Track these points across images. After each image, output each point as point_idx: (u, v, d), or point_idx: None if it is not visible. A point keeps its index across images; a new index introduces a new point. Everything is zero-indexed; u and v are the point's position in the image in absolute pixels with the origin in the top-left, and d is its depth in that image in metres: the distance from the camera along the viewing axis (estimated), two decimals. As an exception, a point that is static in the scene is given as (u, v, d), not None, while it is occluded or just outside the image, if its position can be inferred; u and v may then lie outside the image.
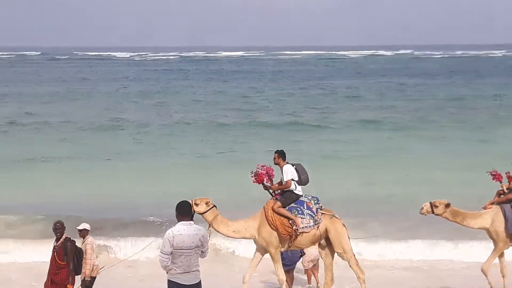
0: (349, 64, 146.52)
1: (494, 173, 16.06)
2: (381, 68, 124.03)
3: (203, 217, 14.75)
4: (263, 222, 14.89)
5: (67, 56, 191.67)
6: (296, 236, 14.86)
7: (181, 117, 53.43)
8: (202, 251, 10.45)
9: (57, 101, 65.56)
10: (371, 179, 30.02)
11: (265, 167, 15.01)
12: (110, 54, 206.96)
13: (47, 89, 78.15)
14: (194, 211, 14.41)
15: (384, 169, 32.33)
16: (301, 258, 16.75)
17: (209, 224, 14.78)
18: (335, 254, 15.24)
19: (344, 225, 15.16)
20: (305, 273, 17.48)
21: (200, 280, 10.47)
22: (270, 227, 14.84)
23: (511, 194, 15.83)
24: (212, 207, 14.69)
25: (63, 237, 12.94)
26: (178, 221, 10.41)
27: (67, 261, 12.77)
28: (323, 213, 15.10)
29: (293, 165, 15.14)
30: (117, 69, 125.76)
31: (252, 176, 14.96)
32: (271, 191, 15.14)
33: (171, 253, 10.26)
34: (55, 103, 63.33)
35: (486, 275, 15.75)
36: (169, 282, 10.40)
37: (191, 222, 10.42)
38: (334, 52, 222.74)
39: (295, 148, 36.35)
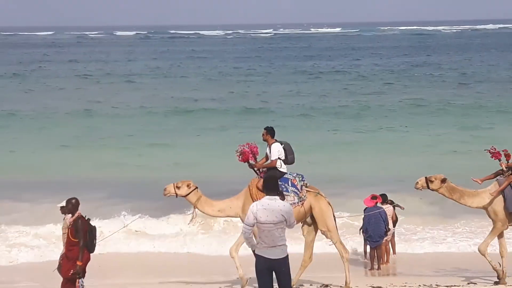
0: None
1: (492, 150, 15.51)
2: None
3: (186, 199, 14.96)
4: (248, 200, 14.86)
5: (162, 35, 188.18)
6: None
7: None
8: (288, 225, 10.62)
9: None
10: None
11: (248, 145, 15.03)
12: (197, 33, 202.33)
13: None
14: (176, 194, 14.85)
15: None
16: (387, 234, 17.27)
17: (194, 206, 14.99)
18: (319, 232, 15.18)
19: (329, 203, 15.09)
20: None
21: (288, 255, 10.61)
22: None
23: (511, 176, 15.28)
24: (194, 189, 14.86)
25: (77, 214, 13.08)
26: (266, 195, 10.65)
27: (78, 238, 12.94)
28: (308, 191, 15.02)
29: (281, 143, 15.12)
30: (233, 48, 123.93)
31: (237, 155, 15.00)
32: (256, 169, 15.13)
33: (253, 225, 10.51)
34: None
35: (484, 256, 15.44)
36: (256, 256, 10.64)
37: (276, 197, 10.61)
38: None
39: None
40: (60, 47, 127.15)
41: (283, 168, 15.02)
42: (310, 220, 15.20)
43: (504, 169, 15.37)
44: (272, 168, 14.93)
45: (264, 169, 15.04)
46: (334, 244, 15.16)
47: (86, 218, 13.17)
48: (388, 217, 17.38)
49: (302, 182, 15.01)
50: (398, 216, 18.40)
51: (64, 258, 13.13)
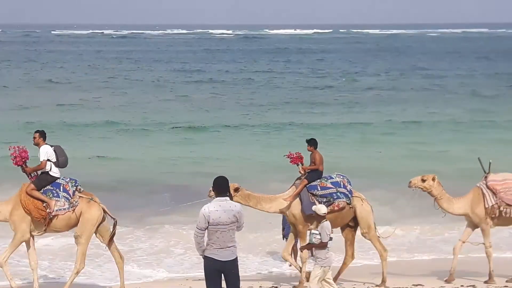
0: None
1: (291, 156, 15.55)
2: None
3: None
4: (17, 205, 14.68)
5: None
6: (51, 219, 14.59)
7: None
8: (237, 226, 10.64)
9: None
10: None
11: (18, 148, 14.66)
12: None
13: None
14: None
15: None
16: None
17: None
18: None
19: (104, 209, 14.83)
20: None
21: (237, 256, 10.65)
22: (24, 210, 14.59)
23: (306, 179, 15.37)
24: None
25: None
26: (216, 197, 10.62)
27: None
28: (80, 196, 14.84)
29: (51, 146, 14.86)
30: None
31: (12, 159, 14.66)
32: (31, 173, 14.83)
33: (206, 228, 10.47)
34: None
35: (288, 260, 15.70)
36: (206, 258, 10.60)
37: (226, 198, 10.64)
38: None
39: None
40: None
41: (54, 171, 14.81)
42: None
43: (302, 173, 15.54)
44: (43, 171, 14.73)
45: (38, 173, 14.79)
46: (110, 250, 15.00)
47: None
48: None
49: (74, 187, 14.83)
50: None
51: None
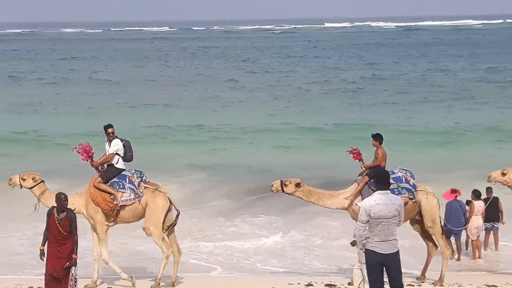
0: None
1: (354, 151, 15.59)
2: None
3: (31, 191, 15.28)
4: (88, 199, 15.15)
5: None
6: (118, 211, 15.01)
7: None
8: (398, 220, 10.59)
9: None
10: None
11: (82, 146, 15.16)
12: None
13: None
14: (21, 185, 15.24)
15: None
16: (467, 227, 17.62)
17: (38, 199, 15.23)
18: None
19: (169, 199, 15.21)
20: (469, 245, 18.24)
21: (398, 250, 10.61)
22: (93, 203, 15.04)
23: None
24: (40, 183, 15.24)
25: (67, 208, 13.14)
26: (376, 190, 10.67)
27: (72, 232, 12.94)
28: (146, 187, 15.20)
29: (122, 140, 15.30)
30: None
31: (81, 152, 15.16)
32: (98, 167, 15.37)
33: (367, 222, 10.47)
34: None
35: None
36: (367, 251, 10.62)
37: (387, 191, 10.61)
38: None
39: None
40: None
41: (120, 164, 15.25)
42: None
43: (364, 169, 15.47)
44: (109, 164, 15.20)
45: (105, 166, 15.26)
46: (155, 242, 15.22)
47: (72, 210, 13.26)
48: (478, 213, 17.75)
49: (139, 178, 15.20)
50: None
51: (51, 254, 12.95)
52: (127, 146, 15.28)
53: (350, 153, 15.64)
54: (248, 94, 51.26)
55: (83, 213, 15.26)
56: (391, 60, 76.94)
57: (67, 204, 13.02)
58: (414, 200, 15.27)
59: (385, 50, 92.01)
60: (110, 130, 15.26)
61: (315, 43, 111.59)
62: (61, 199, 12.98)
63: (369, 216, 10.42)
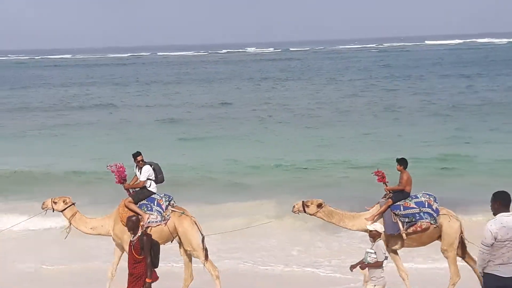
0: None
1: (379, 174, 15.71)
2: None
3: (63, 214, 15.87)
4: (117, 219, 15.63)
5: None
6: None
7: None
8: None
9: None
10: None
11: (116, 166, 15.61)
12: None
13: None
14: (53, 208, 15.80)
15: None
16: None
17: (69, 221, 15.83)
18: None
19: (195, 223, 15.56)
20: None
21: None
22: (122, 223, 15.36)
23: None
24: (71, 205, 15.79)
25: (140, 231, 13.28)
26: (496, 211, 10.46)
27: (145, 255, 13.06)
28: (173, 210, 15.69)
29: (151, 165, 15.79)
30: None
31: (112, 170, 15.66)
32: (129, 189, 15.85)
33: (492, 245, 10.30)
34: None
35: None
36: (486, 275, 10.44)
37: (510, 213, 10.44)
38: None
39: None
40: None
41: (152, 187, 15.78)
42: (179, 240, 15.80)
43: (387, 192, 15.61)
44: (141, 187, 15.70)
45: (136, 189, 15.75)
46: (203, 264, 15.54)
47: (148, 234, 13.24)
48: None
49: (167, 202, 15.70)
50: None
51: (129, 277, 13.17)
52: (156, 169, 15.74)
53: (375, 174, 15.74)
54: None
55: (110, 234, 15.72)
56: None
57: (138, 227, 13.08)
58: (435, 225, 15.27)
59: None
60: (139, 158, 15.69)
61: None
62: (131, 221, 13.11)
63: (495, 239, 10.27)
